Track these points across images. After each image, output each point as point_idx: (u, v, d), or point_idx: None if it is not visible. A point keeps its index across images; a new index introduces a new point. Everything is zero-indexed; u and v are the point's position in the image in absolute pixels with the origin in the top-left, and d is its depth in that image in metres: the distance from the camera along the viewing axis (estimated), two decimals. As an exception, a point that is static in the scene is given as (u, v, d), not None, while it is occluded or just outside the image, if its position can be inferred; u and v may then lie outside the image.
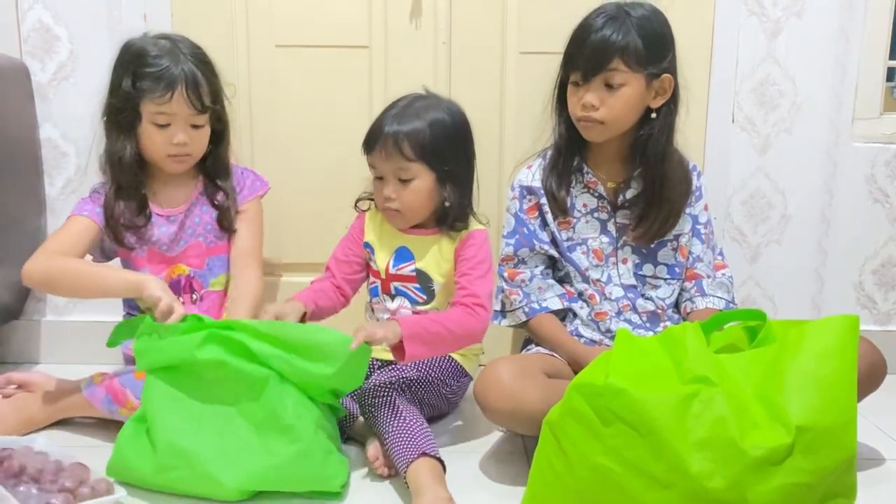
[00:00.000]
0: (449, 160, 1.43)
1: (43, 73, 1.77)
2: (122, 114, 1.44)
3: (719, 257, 1.57)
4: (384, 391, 1.33)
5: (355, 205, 1.57)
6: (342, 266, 1.54)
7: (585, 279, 1.49)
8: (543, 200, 1.49)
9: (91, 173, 1.55)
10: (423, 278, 1.48)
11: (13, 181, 1.71)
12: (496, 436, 1.47)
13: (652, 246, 1.49)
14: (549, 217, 1.49)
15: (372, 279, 1.53)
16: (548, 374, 1.33)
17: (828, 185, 1.84)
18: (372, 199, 1.54)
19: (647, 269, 1.50)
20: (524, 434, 1.38)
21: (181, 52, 1.44)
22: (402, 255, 1.50)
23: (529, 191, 1.51)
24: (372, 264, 1.53)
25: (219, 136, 1.54)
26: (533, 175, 1.52)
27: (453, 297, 1.43)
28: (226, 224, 1.55)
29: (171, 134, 1.45)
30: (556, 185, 1.48)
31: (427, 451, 1.21)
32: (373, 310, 1.55)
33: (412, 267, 1.48)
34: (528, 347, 1.54)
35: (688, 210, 1.50)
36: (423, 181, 1.42)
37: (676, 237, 1.50)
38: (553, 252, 1.50)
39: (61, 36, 1.76)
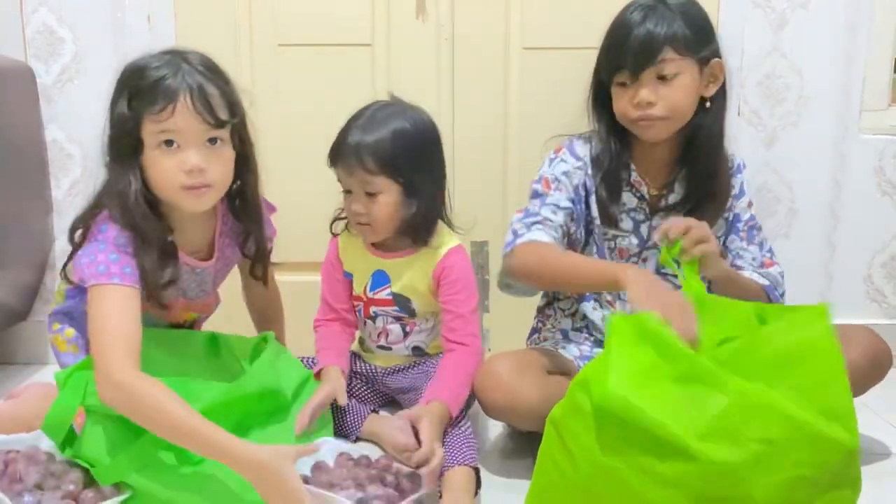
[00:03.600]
0: (413, 171, 1.35)
1: (48, 75, 1.78)
2: (121, 143, 1.17)
3: (768, 254, 1.46)
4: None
5: (330, 227, 1.51)
6: (339, 300, 1.50)
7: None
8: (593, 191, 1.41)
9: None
10: (400, 300, 1.45)
11: (19, 183, 1.72)
12: (500, 431, 1.47)
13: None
14: (595, 210, 1.41)
15: (355, 301, 1.50)
16: (549, 370, 1.32)
17: (836, 179, 1.83)
18: (344, 219, 1.49)
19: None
20: (524, 429, 1.37)
21: (184, 62, 1.17)
22: (378, 279, 1.46)
23: (580, 161, 1.41)
24: (353, 289, 1.50)
25: (245, 162, 1.26)
26: (585, 154, 1.41)
27: (444, 330, 1.41)
28: (258, 276, 1.39)
29: (181, 157, 1.15)
30: (609, 198, 1.39)
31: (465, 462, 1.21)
32: (366, 329, 1.52)
33: (388, 291, 1.45)
34: (533, 336, 1.53)
35: (728, 210, 1.43)
36: (389, 195, 1.35)
37: None
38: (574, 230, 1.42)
39: (66, 38, 1.77)
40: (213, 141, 1.17)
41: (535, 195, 1.41)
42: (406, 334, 1.48)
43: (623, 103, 1.34)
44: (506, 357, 1.32)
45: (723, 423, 0.96)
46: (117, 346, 1.07)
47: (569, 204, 1.39)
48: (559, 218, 1.38)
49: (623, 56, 1.30)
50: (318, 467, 1.14)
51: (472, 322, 1.40)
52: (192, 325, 1.41)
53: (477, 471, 1.21)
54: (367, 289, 1.46)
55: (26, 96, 1.75)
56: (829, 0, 1.75)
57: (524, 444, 1.41)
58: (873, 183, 1.82)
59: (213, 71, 1.20)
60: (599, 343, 1.45)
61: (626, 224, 1.42)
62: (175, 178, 1.16)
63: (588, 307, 1.45)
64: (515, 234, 1.38)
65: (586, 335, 1.47)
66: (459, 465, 1.20)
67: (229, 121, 1.18)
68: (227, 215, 1.33)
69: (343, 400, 1.31)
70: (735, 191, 1.43)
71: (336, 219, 1.50)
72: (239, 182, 1.27)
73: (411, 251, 1.43)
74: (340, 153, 1.36)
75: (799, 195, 1.83)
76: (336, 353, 1.43)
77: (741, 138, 1.79)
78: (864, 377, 1.29)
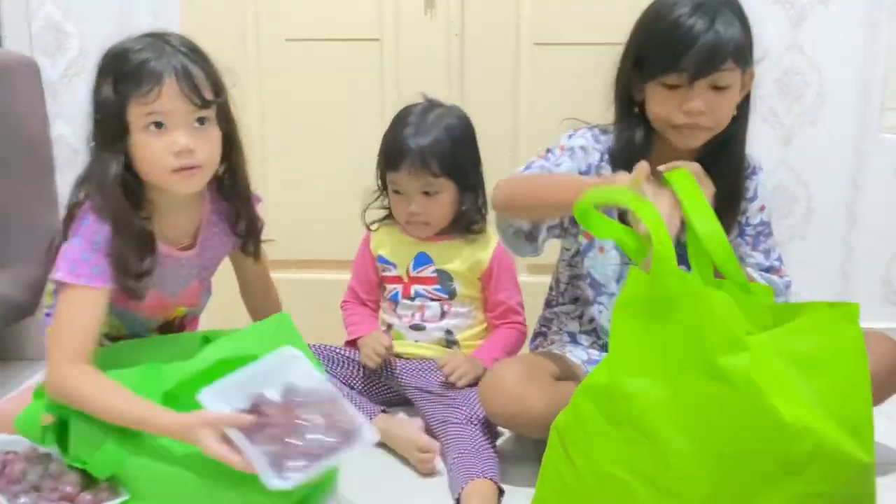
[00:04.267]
0: (467, 168, 1.47)
1: (53, 70, 1.77)
2: (106, 128, 1.16)
3: (777, 262, 1.41)
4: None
5: (366, 224, 1.56)
6: (368, 292, 1.58)
7: (599, 292, 1.40)
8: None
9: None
10: (443, 277, 1.51)
11: (25, 178, 1.71)
12: (505, 437, 1.45)
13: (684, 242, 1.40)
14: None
15: (391, 287, 1.55)
16: (556, 377, 1.30)
17: (854, 179, 1.78)
18: (384, 219, 1.55)
19: None
20: (529, 437, 1.35)
21: (167, 44, 1.17)
22: (421, 259, 1.52)
23: (599, 144, 1.35)
24: (388, 273, 1.55)
25: (230, 141, 1.26)
26: (604, 143, 1.35)
27: (493, 317, 1.53)
28: (253, 250, 1.35)
29: (170, 139, 1.15)
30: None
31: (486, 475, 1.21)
32: (397, 313, 1.55)
33: (433, 269, 1.51)
34: (537, 340, 1.51)
35: (741, 214, 1.37)
36: (447, 193, 1.46)
37: None
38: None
39: (72, 33, 1.76)
40: (200, 121, 1.17)
41: (547, 151, 1.36)
42: (443, 314, 1.52)
43: (668, 107, 1.25)
44: (512, 364, 1.29)
45: (735, 437, 0.93)
46: (65, 345, 1.12)
47: (576, 174, 1.33)
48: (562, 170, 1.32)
49: (681, 58, 1.20)
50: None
51: (521, 311, 1.55)
52: (183, 320, 1.37)
53: (499, 488, 1.21)
54: (410, 269, 1.52)
55: (32, 91, 1.74)
56: (849, -5, 1.71)
57: (529, 450, 1.38)
58: (893, 184, 1.77)
59: (195, 52, 1.20)
60: (606, 348, 1.41)
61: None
62: (165, 160, 1.15)
63: (595, 310, 1.42)
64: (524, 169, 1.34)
65: (594, 339, 1.44)
66: (480, 478, 1.19)
67: (215, 100, 1.18)
68: (215, 201, 1.31)
69: (388, 341, 1.47)
70: (749, 194, 1.39)
71: (378, 220, 1.56)
72: (227, 162, 1.27)
73: (451, 236, 1.51)
74: (403, 158, 1.41)
75: (816, 195, 1.79)
76: (369, 325, 1.54)
77: (757, 136, 1.73)
78: (882, 388, 1.24)
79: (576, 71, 1.74)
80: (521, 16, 1.74)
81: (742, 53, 1.24)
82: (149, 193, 1.21)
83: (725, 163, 1.32)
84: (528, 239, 1.36)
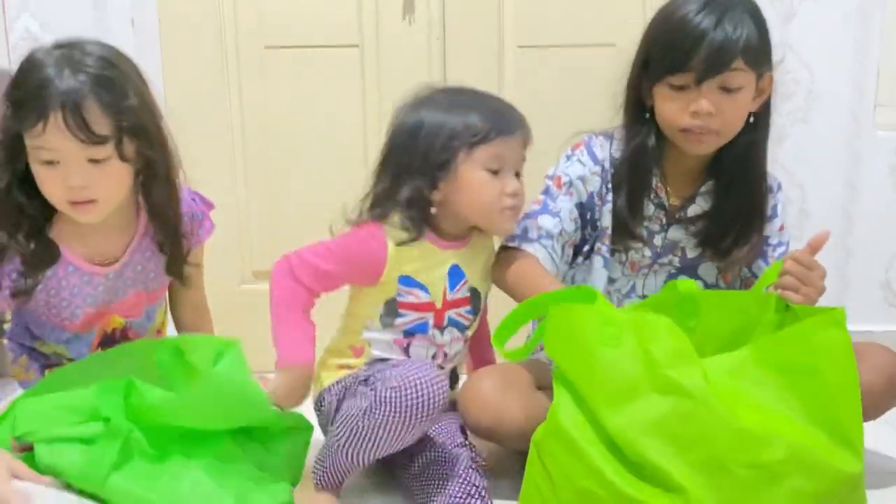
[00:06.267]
0: None
1: (31, 81, 1.75)
2: (7, 147, 1.10)
3: None
4: None
5: (399, 243, 1.20)
6: (326, 286, 1.24)
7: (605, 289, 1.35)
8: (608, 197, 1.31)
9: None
10: (474, 296, 1.28)
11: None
12: (487, 449, 1.40)
13: (690, 257, 1.34)
14: (606, 220, 1.31)
15: (417, 316, 1.24)
16: (537, 385, 1.26)
17: (849, 178, 1.75)
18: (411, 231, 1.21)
19: (680, 279, 1.33)
20: (510, 448, 1.31)
21: (72, 63, 1.07)
22: (455, 275, 1.25)
23: (598, 165, 1.31)
24: (413, 299, 1.23)
25: (151, 169, 1.16)
26: (604, 156, 1.31)
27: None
28: (175, 272, 1.27)
29: (62, 175, 1.08)
30: (630, 213, 1.28)
31: None
32: (409, 351, 1.26)
33: (467, 286, 1.26)
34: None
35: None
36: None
37: None
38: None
39: (49, 44, 1.74)
40: (93, 161, 1.09)
41: (546, 192, 1.33)
42: (462, 347, 1.30)
43: (675, 108, 1.21)
44: (491, 374, 1.25)
45: (706, 448, 0.90)
46: None
47: (576, 212, 1.31)
48: (567, 226, 1.30)
49: (689, 58, 1.17)
50: None
51: None
52: (126, 332, 1.32)
53: None
54: (447, 290, 1.24)
55: (10, 104, 1.72)
56: (839, -10, 1.67)
57: (513, 462, 1.34)
58: (890, 183, 1.75)
59: (102, 74, 1.08)
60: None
61: (640, 233, 1.33)
62: (59, 192, 1.10)
63: None
64: (526, 233, 1.30)
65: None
66: None
67: (110, 136, 1.08)
68: (150, 218, 1.25)
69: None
70: (767, 212, 1.33)
71: (405, 234, 1.20)
72: (143, 191, 1.19)
73: (469, 237, 1.27)
74: (511, 125, 1.20)
75: (810, 196, 1.75)
76: (308, 340, 1.21)
77: (748, 137, 1.72)
78: (881, 399, 1.19)
79: (561, 73, 1.71)
80: (504, 17, 1.71)
81: (754, 54, 1.19)
82: (61, 217, 1.16)
83: (744, 177, 1.28)
84: None
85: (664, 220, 1.33)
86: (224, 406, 1.09)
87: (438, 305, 1.24)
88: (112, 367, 1.15)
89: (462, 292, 1.26)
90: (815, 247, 1.14)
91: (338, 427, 1.13)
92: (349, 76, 1.73)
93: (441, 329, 1.26)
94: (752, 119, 1.25)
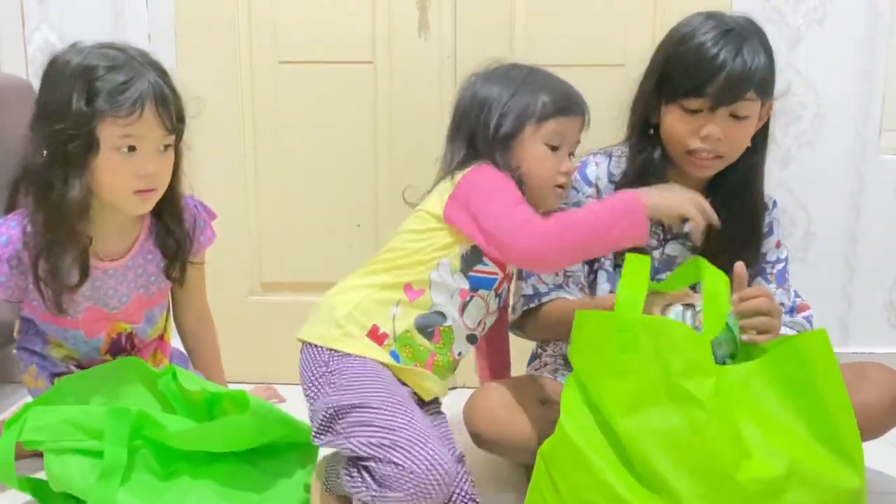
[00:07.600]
0: None
1: (49, 92, 1.77)
2: (73, 143, 1.12)
3: (798, 298, 1.39)
4: None
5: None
6: None
7: None
8: None
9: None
10: (507, 282, 1.33)
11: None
12: (490, 462, 1.41)
13: None
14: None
15: (492, 269, 1.23)
16: (543, 400, 1.27)
17: (854, 200, 1.76)
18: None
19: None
20: (514, 461, 1.32)
21: (137, 61, 1.16)
22: None
23: (592, 187, 1.33)
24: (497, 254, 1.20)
25: (178, 164, 1.25)
26: (598, 174, 1.33)
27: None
28: (175, 276, 1.32)
29: (139, 163, 1.15)
30: None
31: None
32: (468, 310, 1.24)
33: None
34: (533, 363, 1.47)
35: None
36: None
37: None
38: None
39: (67, 56, 1.76)
40: (166, 147, 1.19)
41: None
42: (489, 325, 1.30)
43: (685, 130, 1.23)
44: (498, 388, 1.26)
45: (712, 461, 0.90)
46: None
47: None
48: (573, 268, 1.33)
49: (706, 84, 1.19)
50: None
51: None
52: (132, 340, 1.35)
53: None
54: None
55: (28, 115, 1.74)
56: (846, 15, 1.69)
57: (517, 475, 1.35)
58: (894, 205, 1.75)
59: (163, 71, 1.20)
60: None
61: (640, 247, 1.33)
62: (130, 182, 1.17)
63: None
64: (538, 292, 1.32)
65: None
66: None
67: (180, 126, 1.19)
68: (155, 220, 1.30)
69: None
70: (764, 230, 1.35)
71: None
72: (171, 184, 1.25)
73: None
74: (577, 105, 1.25)
75: (816, 217, 1.77)
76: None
77: (754, 158, 1.73)
78: (884, 419, 1.19)
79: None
80: (514, 37, 1.73)
81: (765, 85, 1.22)
82: (93, 210, 1.19)
83: (743, 197, 1.30)
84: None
85: (662, 236, 1.35)
86: (257, 434, 1.12)
87: (506, 271, 1.26)
88: (118, 379, 1.17)
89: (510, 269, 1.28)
90: (741, 278, 1.12)
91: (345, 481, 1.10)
92: (362, 92, 1.75)
93: (497, 295, 1.27)
94: (750, 144, 1.27)
